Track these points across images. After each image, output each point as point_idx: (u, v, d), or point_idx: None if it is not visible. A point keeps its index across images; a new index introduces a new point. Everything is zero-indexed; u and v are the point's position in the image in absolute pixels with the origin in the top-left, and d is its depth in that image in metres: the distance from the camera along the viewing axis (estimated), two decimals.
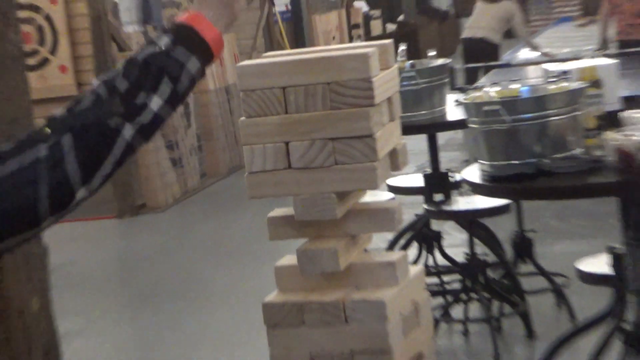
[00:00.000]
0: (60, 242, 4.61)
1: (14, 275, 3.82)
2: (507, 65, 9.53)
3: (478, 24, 12.80)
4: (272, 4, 13.78)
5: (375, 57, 1.91)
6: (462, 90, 6.35)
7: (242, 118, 1.94)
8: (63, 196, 1.37)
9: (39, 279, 3.91)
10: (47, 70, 12.49)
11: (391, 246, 5.66)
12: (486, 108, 3.77)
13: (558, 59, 8.34)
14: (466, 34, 13.04)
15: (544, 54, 11.35)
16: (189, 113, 11.25)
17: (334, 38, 16.19)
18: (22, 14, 10.49)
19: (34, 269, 3.89)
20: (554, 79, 3.98)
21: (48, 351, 3.94)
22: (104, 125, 1.39)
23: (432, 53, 7.15)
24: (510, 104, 3.73)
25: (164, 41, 1.49)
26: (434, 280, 6.11)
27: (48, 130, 1.38)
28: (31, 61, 11.50)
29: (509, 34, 13.35)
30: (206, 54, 1.53)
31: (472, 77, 9.93)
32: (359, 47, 1.85)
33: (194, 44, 1.51)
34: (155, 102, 1.43)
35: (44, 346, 3.93)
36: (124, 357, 6.41)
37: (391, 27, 20.77)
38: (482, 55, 11.41)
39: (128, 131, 1.41)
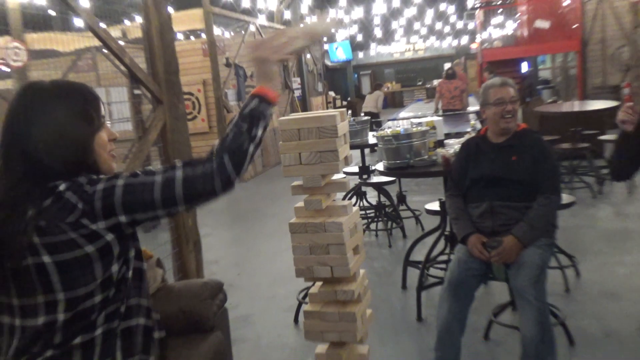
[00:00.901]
0: None
1: None
2: (395, 119, 9.50)
3: (367, 104, 12.80)
4: (292, 92, 13.72)
5: (338, 116, 1.89)
6: (373, 130, 6.36)
7: (281, 142, 1.92)
8: (227, 183, 1.40)
9: (191, 211, 3.91)
10: (196, 121, 12.40)
11: (344, 198, 5.67)
12: (385, 138, 3.77)
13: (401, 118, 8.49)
14: (363, 109, 12.99)
15: (379, 115, 11.56)
16: None
17: (320, 107, 16.25)
18: (185, 96, 10.43)
19: None
20: (415, 125, 3.97)
21: (195, 243, 3.92)
22: (242, 147, 1.42)
23: (362, 115, 7.19)
24: (396, 136, 3.72)
25: (254, 102, 1.48)
26: (363, 212, 6.12)
27: (214, 152, 1.41)
28: (189, 117, 11.47)
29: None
30: (273, 104, 1.51)
31: (371, 127, 10.18)
32: (331, 111, 1.83)
33: (267, 101, 1.50)
34: (260, 131, 1.47)
35: (193, 241, 3.91)
36: (229, 245, 6.39)
37: (344, 102, 20.66)
38: (372, 118, 11.52)
39: (251, 148, 1.44)
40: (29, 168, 1.32)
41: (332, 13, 19.20)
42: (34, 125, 1.34)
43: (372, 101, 12.80)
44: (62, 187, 1.30)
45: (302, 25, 1.48)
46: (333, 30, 1.77)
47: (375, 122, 10.90)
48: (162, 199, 1.35)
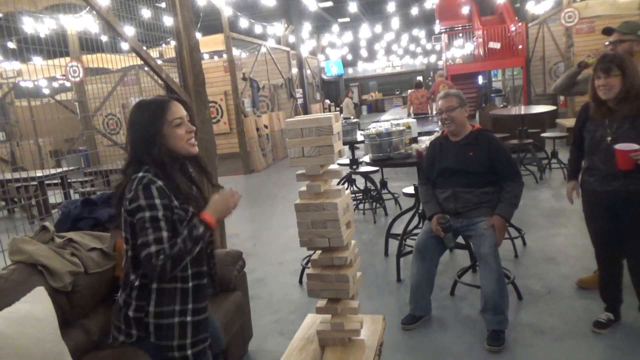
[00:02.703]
0: (223, 183, 4.51)
1: (208, 194, 3.78)
2: (378, 121, 9.43)
3: (344, 112, 12.61)
4: (296, 100, 13.62)
5: (333, 118, 1.86)
6: (361, 129, 6.31)
7: (287, 139, 1.88)
8: (161, 276, 1.60)
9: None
10: (219, 124, 12.34)
11: (338, 184, 5.62)
12: (371, 135, 3.72)
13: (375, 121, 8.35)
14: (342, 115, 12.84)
15: (349, 119, 11.04)
16: (268, 139, 11.12)
17: (318, 112, 16.12)
18: (210, 104, 10.37)
19: (214, 190, 3.85)
20: (394, 126, 3.94)
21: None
22: (183, 259, 1.59)
23: (352, 117, 7.11)
24: (379, 134, 3.68)
25: (202, 229, 1.62)
26: (352, 195, 6.08)
27: (164, 254, 1.57)
28: (213, 121, 11.39)
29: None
30: (212, 229, 1.69)
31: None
32: (328, 114, 1.80)
33: (210, 228, 1.66)
34: (197, 248, 1.63)
35: None
36: (247, 221, 6.35)
37: (337, 108, 20.52)
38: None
39: (187, 257, 1.61)
40: (133, 155, 1.67)
41: (327, 37, 19.10)
42: (134, 125, 1.69)
43: (346, 108, 12.73)
44: (140, 174, 1.62)
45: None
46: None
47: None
48: (134, 247, 1.63)
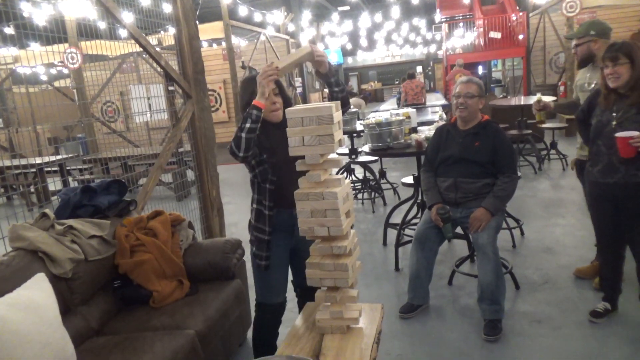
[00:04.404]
0: (221, 172, 4.49)
1: (208, 183, 3.77)
2: (377, 111, 9.38)
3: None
4: (295, 89, 13.54)
5: (334, 107, 1.85)
6: (360, 119, 6.28)
7: (288, 128, 1.87)
8: (232, 153, 2.03)
9: (215, 183, 3.86)
10: (218, 112, 12.26)
11: (337, 173, 5.62)
12: (370, 125, 3.71)
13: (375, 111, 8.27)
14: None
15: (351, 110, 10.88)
16: None
17: (317, 101, 15.94)
18: (209, 92, 10.28)
19: (213, 179, 3.84)
20: (394, 115, 3.92)
21: (218, 209, 3.89)
22: (237, 135, 1.97)
23: (352, 107, 7.08)
24: (379, 123, 3.67)
25: (255, 110, 1.97)
26: (351, 185, 6.07)
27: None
28: (212, 109, 11.30)
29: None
30: (260, 108, 1.98)
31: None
32: (328, 104, 1.79)
33: (258, 108, 1.97)
34: (247, 124, 1.98)
35: (217, 208, 3.88)
36: (246, 210, 6.33)
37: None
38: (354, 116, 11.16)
39: (243, 134, 1.98)
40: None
41: (327, 26, 18.96)
42: (239, 94, 2.27)
43: (354, 102, 12.69)
44: None
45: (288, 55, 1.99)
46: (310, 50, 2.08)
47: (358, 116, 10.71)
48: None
